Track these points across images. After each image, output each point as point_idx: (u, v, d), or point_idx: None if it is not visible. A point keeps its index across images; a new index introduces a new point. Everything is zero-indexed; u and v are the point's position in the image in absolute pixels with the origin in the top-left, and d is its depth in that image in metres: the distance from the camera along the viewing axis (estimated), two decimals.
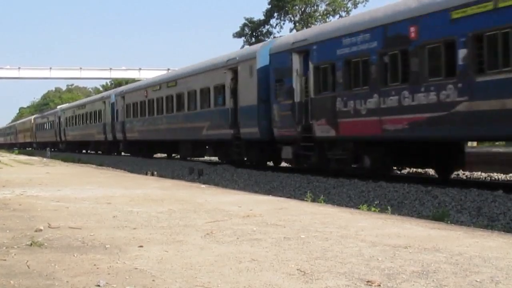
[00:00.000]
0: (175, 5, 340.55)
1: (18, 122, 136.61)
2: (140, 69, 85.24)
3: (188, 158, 39.77)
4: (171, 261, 7.19)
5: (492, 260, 7.05)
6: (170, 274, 6.50)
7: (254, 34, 76.42)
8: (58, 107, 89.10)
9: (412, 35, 18.54)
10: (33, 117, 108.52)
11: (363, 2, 72.11)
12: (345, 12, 71.53)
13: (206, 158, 39.87)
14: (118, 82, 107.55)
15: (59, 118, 77.61)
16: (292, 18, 74.64)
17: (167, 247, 8.06)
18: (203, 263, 7.01)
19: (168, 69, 67.45)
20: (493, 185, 17.08)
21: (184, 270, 6.71)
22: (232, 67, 29.96)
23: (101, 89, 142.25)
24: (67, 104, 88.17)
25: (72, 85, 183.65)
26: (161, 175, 29.01)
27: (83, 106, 66.30)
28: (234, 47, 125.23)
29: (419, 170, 25.66)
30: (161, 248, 7.99)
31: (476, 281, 6.09)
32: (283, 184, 22.97)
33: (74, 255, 7.59)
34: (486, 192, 16.04)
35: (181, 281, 6.21)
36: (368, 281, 6.06)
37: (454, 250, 7.67)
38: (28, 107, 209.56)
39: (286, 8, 73.12)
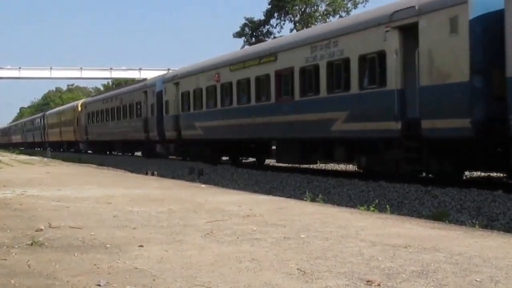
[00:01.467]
0: (176, 5, 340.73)
1: (49, 112, 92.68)
2: (140, 69, 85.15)
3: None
4: (171, 260, 7.20)
5: (491, 259, 7.06)
6: (170, 274, 6.51)
7: (254, 34, 76.39)
8: (152, 78, 47.45)
9: None
10: (80, 101, 70.08)
11: (363, 2, 72.10)
12: (345, 12, 71.50)
13: None
14: (118, 82, 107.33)
15: (157, 97, 41.11)
16: (292, 18, 74.56)
17: (167, 247, 8.07)
18: (203, 263, 7.03)
19: (168, 69, 67.25)
20: (493, 185, 17.06)
21: (184, 269, 6.72)
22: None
23: (102, 89, 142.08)
24: (179, 68, 41.47)
25: (72, 85, 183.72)
26: (161, 175, 29.00)
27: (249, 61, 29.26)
28: (235, 47, 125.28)
29: None
30: (161, 248, 8.00)
31: (476, 280, 6.10)
32: (283, 184, 22.98)
33: (74, 255, 7.60)
34: (485, 192, 16.04)
35: (181, 280, 6.22)
36: (368, 281, 6.07)
37: (454, 250, 7.68)
38: (28, 107, 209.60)
39: (286, 8, 73.03)
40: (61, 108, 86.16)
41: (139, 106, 45.89)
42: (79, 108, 66.18)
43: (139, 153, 51.50)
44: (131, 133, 47.77)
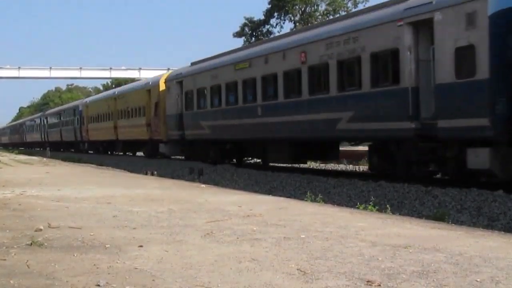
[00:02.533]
0: (176, 5, 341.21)
1: (91, 99, 69.35)
2: (140, 69, 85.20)
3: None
4: (171, 261, 7.19)
5: (492, 260, 7.05)
6: (170, 274, 6.50)
7: (254, 34, 76.45)
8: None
9: None
10: (163, 77, 42.45)
11: (363, 2, 72.20)
12: (345, 12, 71.52)
13: None
14: (118, 82, 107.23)
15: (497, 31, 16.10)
16: (292, 18, 74.67)
17: (167, 247, 8.06)
18: (203, 263, 7.01)
19: (168, 69, 67.21)
20: (493, 185, 17.03)
21: (184, 270, 6.71)
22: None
23: (101, 89, 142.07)
24: None
25: (72, 85, 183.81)
26: (161, 175, 28.98)
27: None
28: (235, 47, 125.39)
29: None
30: (161, 248, 7.99)
31: (476, 281, 6.08)
32: (283, 184, 22.97)
33: (74, 255, 7.59)
34: (486, 192, 16.03)
35: (181, 281, 6.20)
36: (368, 281, 6.06)
37: (454, 250, 7.67)
38: (28, 106, 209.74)
39: (286, 8, 73.14)
40: (115, 90, 59.53)
41: (383, 62, 21.09)
42: (161, 87, 41.61)
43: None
44: (345, 123, 22.35)
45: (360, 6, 71.64)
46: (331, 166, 30.01)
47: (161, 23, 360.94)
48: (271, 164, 30.03)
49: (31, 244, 8.33)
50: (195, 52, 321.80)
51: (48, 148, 66.19)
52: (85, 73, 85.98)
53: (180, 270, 6.71)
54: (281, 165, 29.61)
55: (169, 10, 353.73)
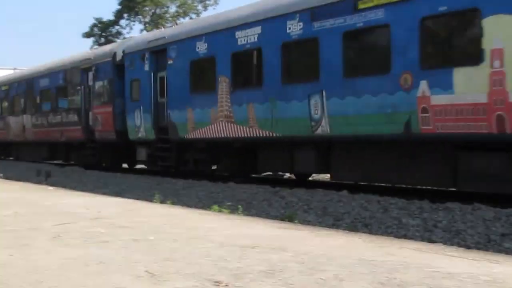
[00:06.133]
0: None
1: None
2: None
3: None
4: (16, 265, 7.01)
5: (336, 258, 7.26)
6: (15, 280, 6.33)
7: (103, 34, 75.33)
8: None
9: None
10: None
11: (213, 4, 72.58)
12: (195, 15, 71.69)
13: None
14: None
15: None
16: (143, 19, 74.10)
17: (12, 251, 7.85)
18: (50, 267, 6.88)
19: None
20: (338, 186, 17.54)
21: (30, 274, 6.56)
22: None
23: None
24: None
25: None
26: (7, 177, 28.13)
27: None
28: None
29: None
30: (5, 253, 7.77)
31: (321, 279, 6.24)
32: (133, 185, 22.79)
33: None
34: (331, 193, 16.46)
35: (26, 286, 6.06)
36: (216, 282, 6.11)
37: (301, 249, 7.84)
38: None
39: (136, 9, 72.47)
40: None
41: None
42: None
43: None
44: None
45: (210, 9, 72.12)
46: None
47: None
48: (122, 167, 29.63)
49: None
50: None
51: None
52: None
53: (25, 274, 6.55)
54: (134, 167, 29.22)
55: None
